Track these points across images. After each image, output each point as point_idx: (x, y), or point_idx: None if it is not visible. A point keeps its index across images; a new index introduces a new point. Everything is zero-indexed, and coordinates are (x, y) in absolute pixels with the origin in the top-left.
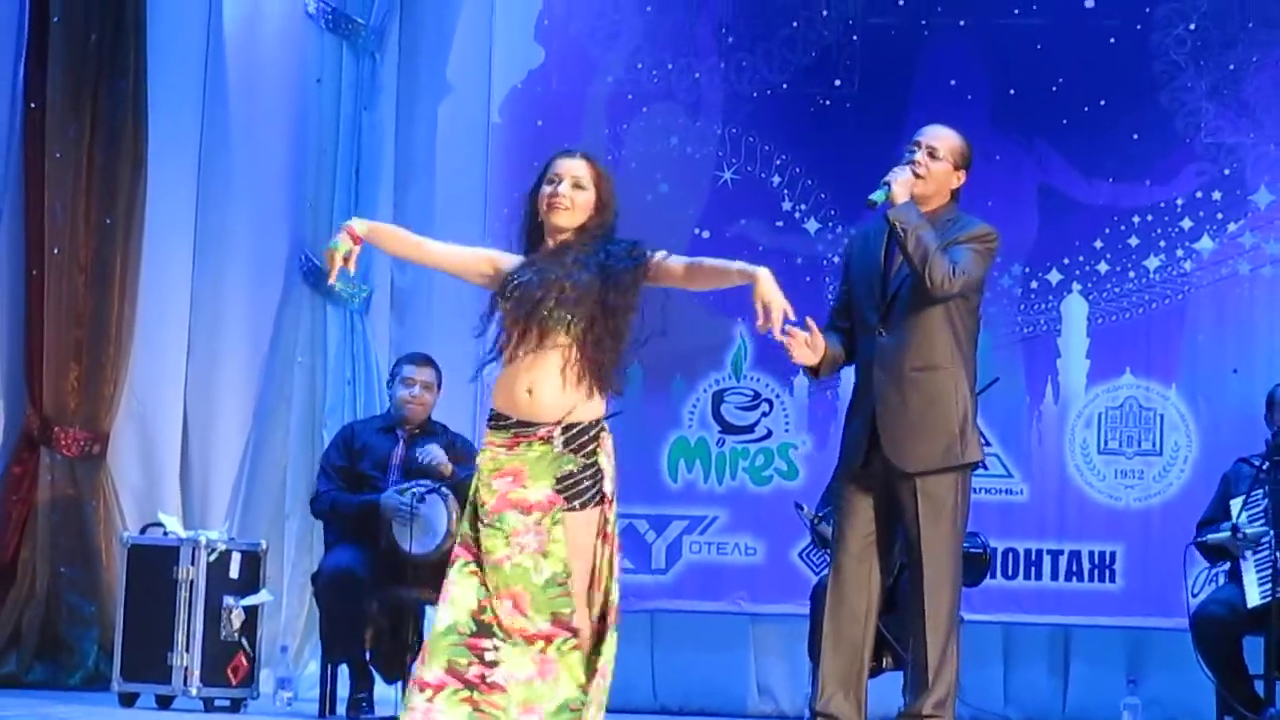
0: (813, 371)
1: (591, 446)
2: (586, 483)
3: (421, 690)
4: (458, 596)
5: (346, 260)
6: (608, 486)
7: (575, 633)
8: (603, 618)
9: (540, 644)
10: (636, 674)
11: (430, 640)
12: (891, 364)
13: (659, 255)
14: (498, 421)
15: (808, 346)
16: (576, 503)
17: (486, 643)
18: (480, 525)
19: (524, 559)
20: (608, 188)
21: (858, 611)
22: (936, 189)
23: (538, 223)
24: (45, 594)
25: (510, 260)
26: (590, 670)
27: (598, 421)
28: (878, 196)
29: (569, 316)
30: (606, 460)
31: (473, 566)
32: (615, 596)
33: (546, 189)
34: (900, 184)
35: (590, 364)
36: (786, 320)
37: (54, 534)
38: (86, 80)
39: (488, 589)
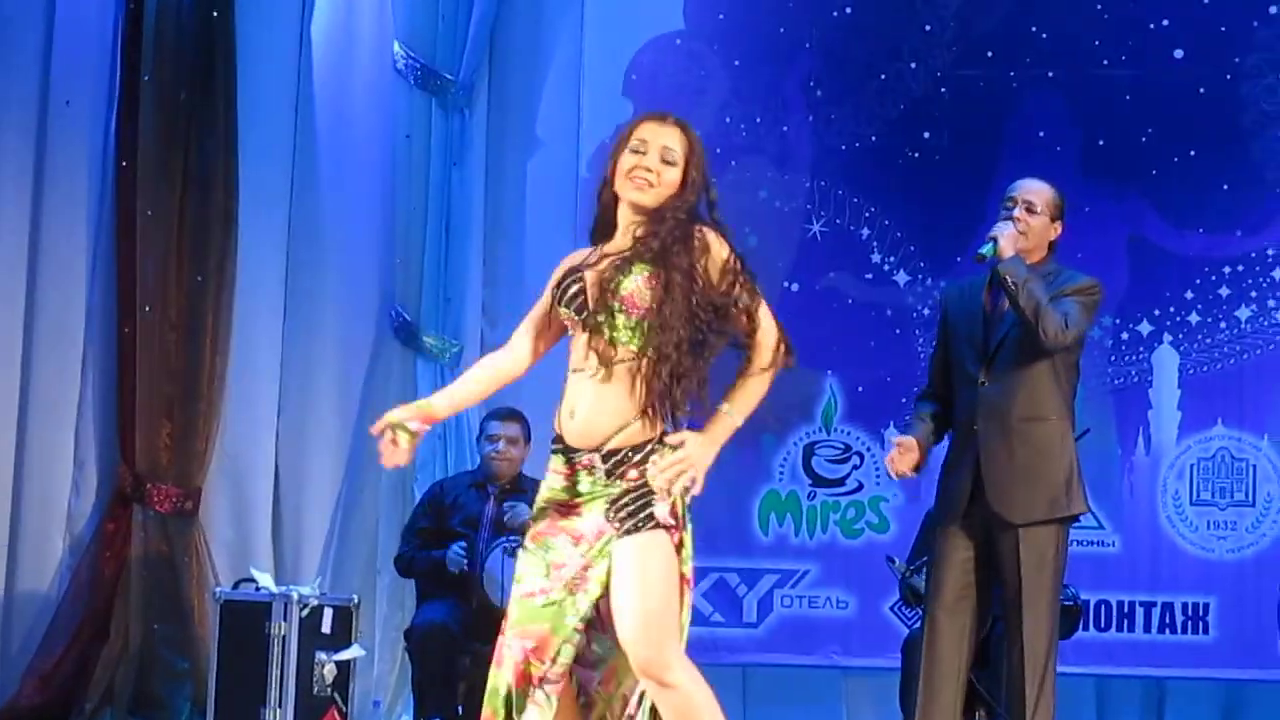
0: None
1: (642, 469)
2: (636, 503)
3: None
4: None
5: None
6: (659, 510)
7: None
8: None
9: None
10: None
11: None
12: (996, 414)
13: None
14: (555, 444)
15: (908, 465)
16: (629, 524)
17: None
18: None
19: (559, 595)
20: (698, 164)
21: (951, 665)
22: (1036, 243)
23: (612, 198)
24: (139, 650)
25: (569, 260)
26: None
27: (647, 443)
28: (986, 251)
29: (624, 326)
30: (660, 478)
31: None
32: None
33: (628, 159)
34: (1006, 238)
35: (648, 384)
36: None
37: (147, 590)
38: (177, 137)
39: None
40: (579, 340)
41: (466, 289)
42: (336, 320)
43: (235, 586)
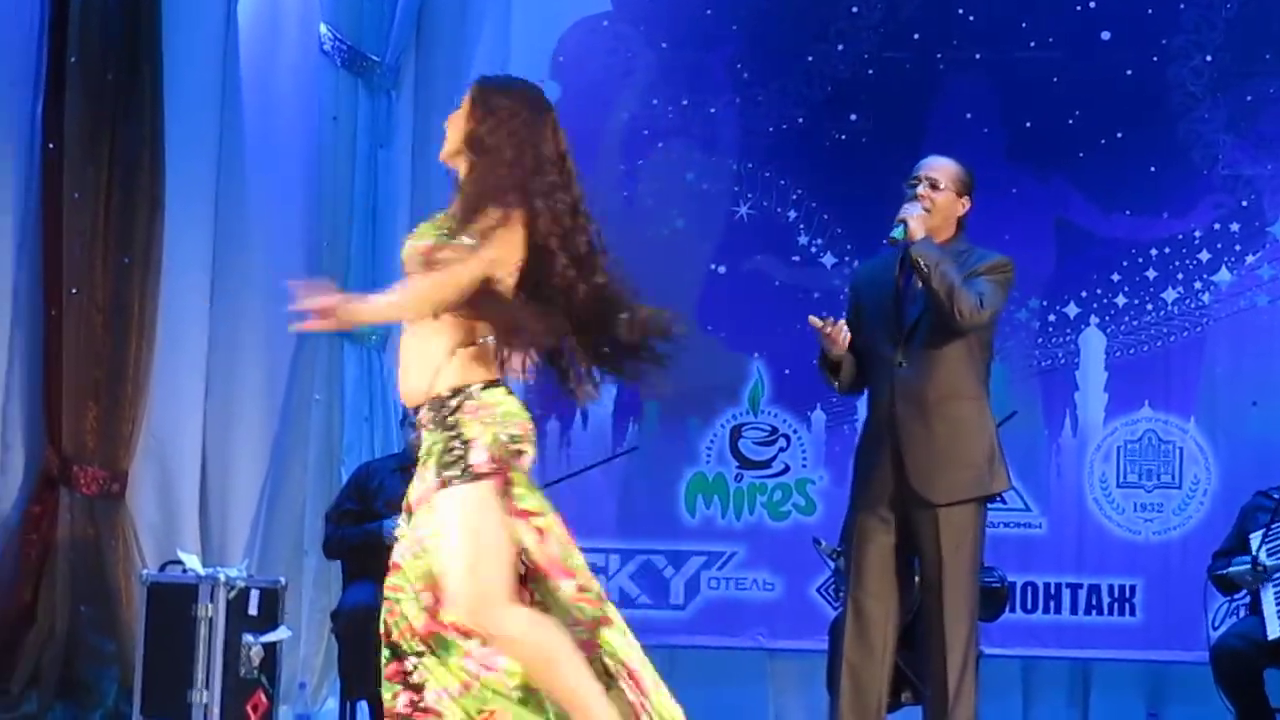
0: (834, 370)
1: (455, 417)
2: (450, 455)
3: None
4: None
5: None
6: (474, 455)
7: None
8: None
9: (477, 640)
10: None
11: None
12: (914, 395)
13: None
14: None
15: (832, 338)
16: (444, 475)
17: (405, 664)
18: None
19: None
20: (476, 123)
21: (875, 647)
22: (943, 219)
23: None
24: (65, 633)
25: None
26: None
27: (462, 388)
28: (897, 234)
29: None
30: (476, 425)
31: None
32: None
33: None
34: (915, 219)
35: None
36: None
37: (73, 573)
38: (104, 120)
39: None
40: None
41: (393, 271)
42: (263, 303)
43: (162, 569)
